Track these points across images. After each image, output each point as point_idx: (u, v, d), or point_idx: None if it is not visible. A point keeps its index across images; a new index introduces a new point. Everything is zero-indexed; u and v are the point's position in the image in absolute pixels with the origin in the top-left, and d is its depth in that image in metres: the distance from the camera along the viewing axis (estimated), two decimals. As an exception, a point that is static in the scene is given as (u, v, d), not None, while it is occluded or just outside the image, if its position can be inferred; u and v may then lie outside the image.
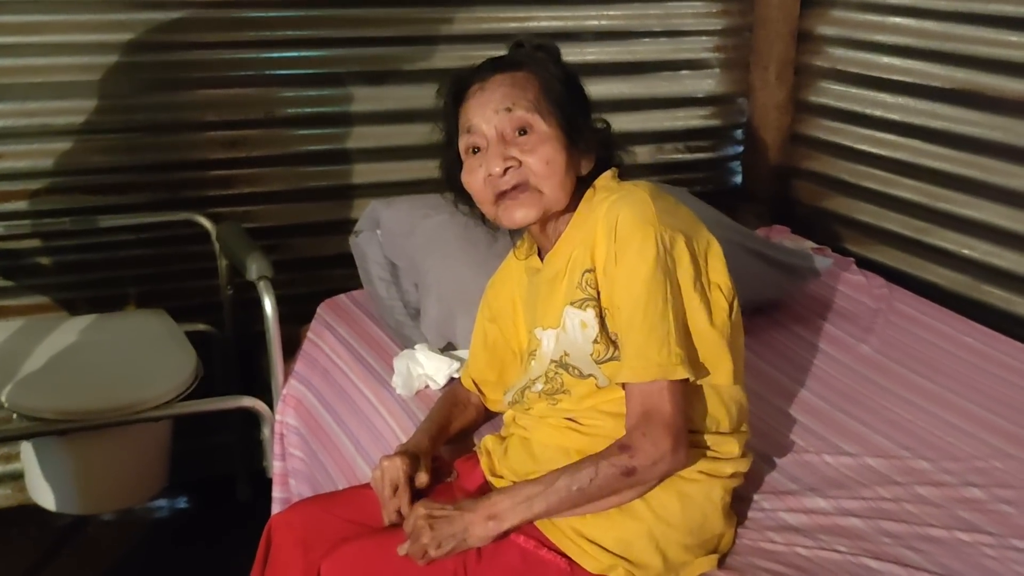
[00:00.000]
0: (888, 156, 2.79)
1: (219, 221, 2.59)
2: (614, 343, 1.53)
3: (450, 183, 1.68)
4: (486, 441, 1.72)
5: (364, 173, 2.79)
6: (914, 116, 2.69)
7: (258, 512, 2.40)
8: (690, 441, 1.50)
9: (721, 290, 1.55)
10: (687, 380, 1.48)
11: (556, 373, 1.59)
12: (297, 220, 2.77)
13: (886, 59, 2.76)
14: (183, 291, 2.69)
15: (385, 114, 2.75)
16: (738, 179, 3.23)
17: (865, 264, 2.71)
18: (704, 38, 3.07)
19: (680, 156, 3.15)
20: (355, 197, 2.79)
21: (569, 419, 1.58)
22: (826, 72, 2.97)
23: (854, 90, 2.88)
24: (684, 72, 3.07)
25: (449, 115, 1.65)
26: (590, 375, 1.55)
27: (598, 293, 1.54)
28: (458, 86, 1.64)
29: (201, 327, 2.61)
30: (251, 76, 2.66)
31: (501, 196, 1.57)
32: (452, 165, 1.66)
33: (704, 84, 3.11)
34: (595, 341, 1.53)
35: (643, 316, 1.47)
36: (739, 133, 3.19)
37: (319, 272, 2.79)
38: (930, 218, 2.67)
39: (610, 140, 1.67)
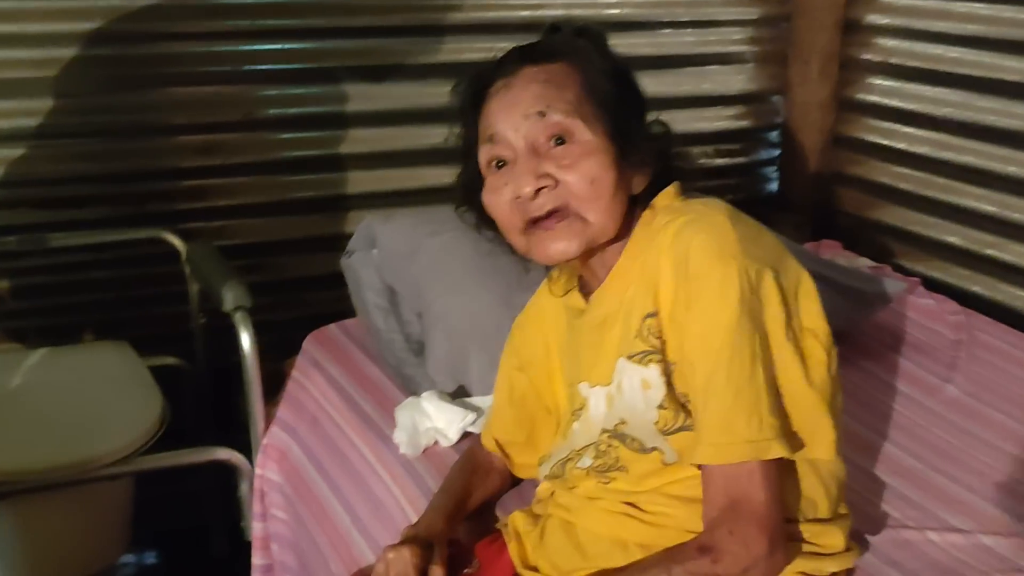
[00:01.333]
0: (949, 160, 2.48)
1: (191, 238, 2.28)
2: (685, 408, 1.20)
3: (470, 203, 1.35)
4: (515, 520, 1.40)
5: (358, 182, 2.49)
6: (982, 115, 2.38)
7: (236, 570, 2.10)
8: (786, 534, 1.17)
9: (817, 337, 1.22)
10: (781, 457, 1.15)
11: (610, 446, 1.26)
12: (281, 236, 2.47)
13: (947, 50, 2.45)
14: (149, 319, 2.38)
15: (382, 115, 2.46)
16: (774, 186, 2.94)
17: (925, 284, 2.39)
18: (737, 29, 2.78)
19: (709, 161, 2.85)
20: (348, 210, 2.49)
21: (628, 503, 1.25)
22: (875, 66, 2.66)
23: (909, 86, 2.57)
24: (714, 67, 2.79)
25: (468, 119, 1.32)
26: (654, 448, 1.22)
27: (663, 344, 1.21)
28: (479, 83, 1.30)
29: (170, 361, 2.28)
30: (228, 72, 2.36)
31: (533, 224, 1.23)
32: (471, 181, 1.32)
33: (736, 80, 2.82)
34: (661, 406, 1.20)
35: (726, 377, 1.14)
36: (775, 135, 2.90)
37: (307, 295, 2.49)
38: (1003, 231, 2.35)
39: (670, 148, 1.34)
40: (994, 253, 2.38)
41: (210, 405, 2.34)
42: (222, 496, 2.37)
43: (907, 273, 2.47)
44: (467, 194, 1.35)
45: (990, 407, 1.82)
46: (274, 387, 2.10)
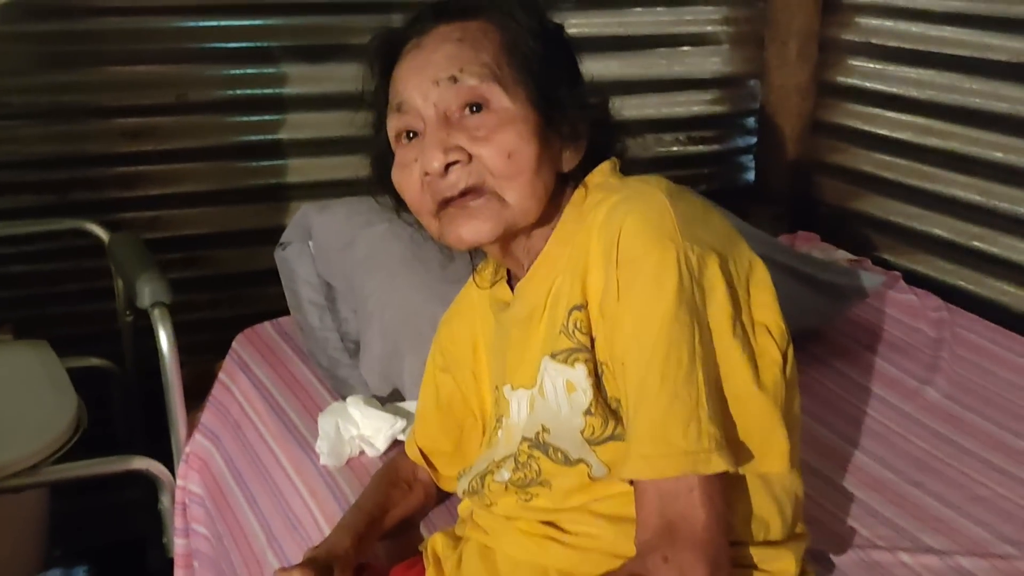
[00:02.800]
0: (935, 146, 2.33)
1: (119, 231, 2.12)
2: (615, 414, 1.05)
3: (383, 183, 1.19)
4: (434, 543, 1.25)
5: (301, 170, 2.34)
6: (968, 97, 2.23)
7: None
8: (731, 559, 1.01)
9: (771, 334, 1.06)
10: (726, 472, 1.00)
11: (530, 456, 1.10)
12: (218, 228, 2.31)
13: (931, 28, 2.30)
14: (73, 317, 2.22)
15: (326, 98, 2.29)
16: (750, 175, 2.80)
17: (907, 278, 2.24)
18: (711, 8, 2.64)
19: (681, 148, 2.71)
20: (290, 200, 2.33)
21: (549, 523, 1.10)
22: (857, 47, 2.51)
23: (891, 68, 2.42)
24: (687, 48, 2.65)
25: (378, 87, 1.16)
26: (579, 460, 1.06)
27: (592, 340, 1.06)
28: (389, 43, 1.15)
29: (95, 362, 2.13)
30: (160, 51, 2.20)
31: (444, 204, 1.08)
32: (383, 158, 1.17)
33: (711, 63, 2.68)
34: (588, 412, 1.05)
35: (660, 379, 0.98)
36: (752, 121, 2.76)
37: (247, 291, 2.33)
38: (989, 221, 2.21)
39: (608, 121, 1.19)
40: (980, 245, 2.23)
41: (140, 410, 2.19)
42: (154, 507, 2.23)
43: (888, 267, 2.32)
44: (379, 173, 1.19)
45: (973, 412, 1.67)
46: (208, 391, 1.96)
